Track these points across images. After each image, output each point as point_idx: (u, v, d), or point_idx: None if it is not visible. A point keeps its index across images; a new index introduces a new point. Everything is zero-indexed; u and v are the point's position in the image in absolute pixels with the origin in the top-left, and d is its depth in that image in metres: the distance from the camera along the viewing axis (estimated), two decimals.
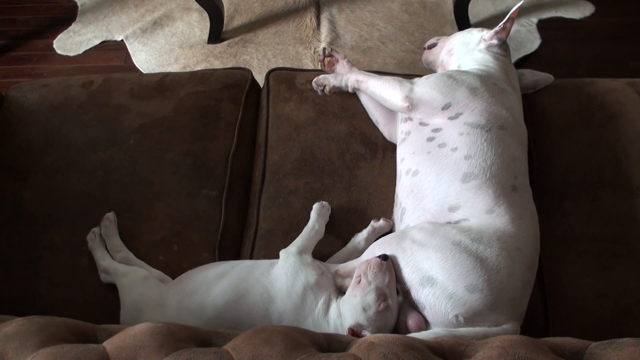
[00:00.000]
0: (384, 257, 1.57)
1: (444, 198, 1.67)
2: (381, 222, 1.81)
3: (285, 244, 1.75)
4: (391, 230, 1.81)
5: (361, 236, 1.79)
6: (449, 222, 1.65)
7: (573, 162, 1.92)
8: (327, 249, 1.80)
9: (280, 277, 1.63)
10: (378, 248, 1.64)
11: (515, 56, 3.02)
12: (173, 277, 1.78)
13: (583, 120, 1.99)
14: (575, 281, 1.75)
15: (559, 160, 1.93)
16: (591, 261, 1.77)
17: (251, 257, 1.85)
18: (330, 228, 1.82)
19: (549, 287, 1.75)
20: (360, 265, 1.60)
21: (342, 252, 1.79)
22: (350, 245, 1.80)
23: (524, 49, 3.10)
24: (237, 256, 1.89)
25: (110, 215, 1.85)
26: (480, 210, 1.63)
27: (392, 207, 1.86)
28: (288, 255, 1.67)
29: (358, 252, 1.77)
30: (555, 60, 3.04)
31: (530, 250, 1.62)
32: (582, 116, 2.00)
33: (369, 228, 1.80)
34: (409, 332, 1.54)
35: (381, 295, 1.53)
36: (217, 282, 1.65)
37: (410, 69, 3.04)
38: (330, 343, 1.25)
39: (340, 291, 1.64)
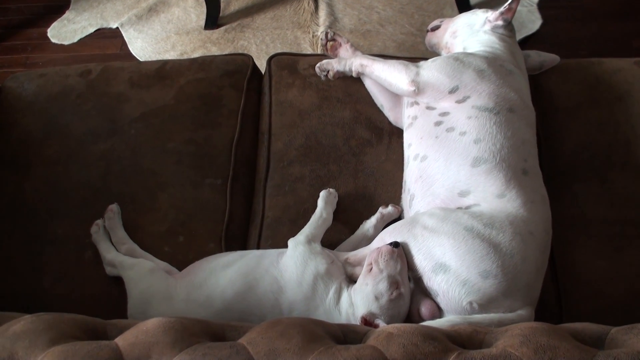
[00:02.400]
0: (395, 244, 1.55)
1: (454, 183, 1.65)
2: (389, 208, 1.78)
3: (292, 233, 1.72)
4: (400, 217, 1.79)
5: (370, 223, 1.77)
6: (459, 208, 1.63)
7: (582, 144, 1.90)
8: (336, 236, 1.78)
9: (290, 266, 1.60)
10: (388, 235, 1.61)
11: (516, 37, 2.97)
12: (179, 269, 1.75)
13: (591, 101, 1.96)
14: (587, 264, 1.73)
15: (568, 142, 1.91)
16: (603, 244, 1.74)
17: (258, 247, 1.83)
18: (338, 215, 1.80)
19: (561, 271, 1.73)
20: (371, 253, 1.58)
21: (350, 240, 1.76)
22: (358, 232, 1.77)
23: (525, 30, 3.06)
24: (244, 246, 1.86)
25: (114, 206, 1.82)
26: (491, 195, 1.60)
27: (400, 192, 1.83)
28: (297, 244, 1.64)
29: (367, 240, 1.74)
30: (557, 40, 3.01)
31: (542, 234, 1.59)
32: (589, 97, 1.97)
33: (377, 215, 1.78)
34: (422, 319, 1.52)
35: (393, 283, 1.50)
36: (225, 273, 1.62)
37: (411, 51, 3.00)
38: (346, 334, 1.22)
39: (351, 280, 1.62)
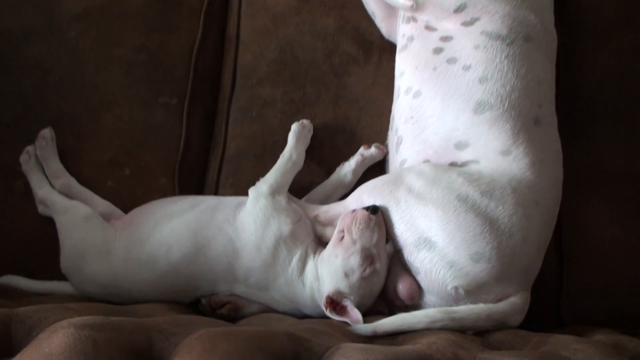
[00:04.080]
0: (373, 210, 1.29)
1: (450, 131, 1.36)
2: (372, 149, 1.51)
3: (257, 172, 1.48)
4: (384, 159, 1.52)
5: (348, 167, 1.50)
6: (454, 163, 1.36)
7: (609, 75, 1.58)
8: (307, 178, 1.53)
9: (248, 225, 1.36)
10: (367, 195, 1.35)
11: None
12: (124, 208, 1.52)
13: (627, 22, 1.61)
14: (598, 230, 1.49)
15: (592, 71, 1.59)
16: (621, 206, 1.50)
17: (217, 184, 1.58)
18: (312, 152, 1.54)
19: (567, 236, 1.49)
20: (344, 217, 1.33)
21: (324, 186, 1.51)
22: (334, 177, 1.51)
23: None
24: (201, 182, 1.61)
25: (47, 132, 1.53)
26: (493, 151, 1.33)
27: (387, 127, 1.54)
28: (258, 196, 1.38)
29: (343, 187, 1.50)
30: None
31: (550, 202, 1.34)
32: (626, 16, 1.61)
33: (357, 157, 1.51)
34: (398, 298, 1.30)
35: (367, 258, 1.27)
36: (171, 228, 1.37)
37: None
38: (299, 354, 1.01)
39: (320, 241, 1.38)
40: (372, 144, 1.52)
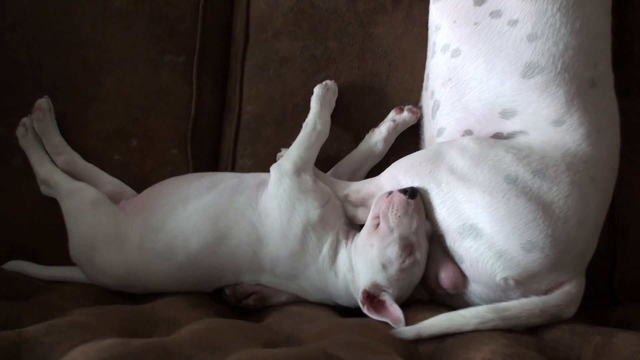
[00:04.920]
0: (412, 193, 1.16)
1: (495, 97, 1.21)
2: (405, 114, 1.36)
3: (277, 140, 1.38)
4: (419, 123, 1.37)
5: (379, 135, 1.36)
6: (499, 134, 1.21)
7: None
8: (334, 146, 1.39)
9: (272, 210, 1.23)
10: (403, 174, 1.22)
11: None
12: (134, 185, 1.40)
13: None
14: None
15: None
16: None
17: (234, 155, 1.45)
18: (337, 115, 1.39)
19: (620, 203, 1.35)
20: (379, 200, 1.20)
21: (352, 157, 1.37)
22: (363, 146, 1.37)
23: None
24: (216, 152, 1.47)
25: (43, 102, 1.38)
26: (544, 121, 1.18)
27: (421, 85, 1.39)
28: (282, 176, 1.25)
29: (374, 157, 1.37)
30: None
31: (607, 176, 1.21)
32: None
33: (388, 123, 1.36)
34: (441, 287, 1.19)
35: (406, 247, 1.15)
36: (187, 215, 1.25)
37: None
38: None
39: (352, 224, 1.26)
40: (404, 106, 1.37)
